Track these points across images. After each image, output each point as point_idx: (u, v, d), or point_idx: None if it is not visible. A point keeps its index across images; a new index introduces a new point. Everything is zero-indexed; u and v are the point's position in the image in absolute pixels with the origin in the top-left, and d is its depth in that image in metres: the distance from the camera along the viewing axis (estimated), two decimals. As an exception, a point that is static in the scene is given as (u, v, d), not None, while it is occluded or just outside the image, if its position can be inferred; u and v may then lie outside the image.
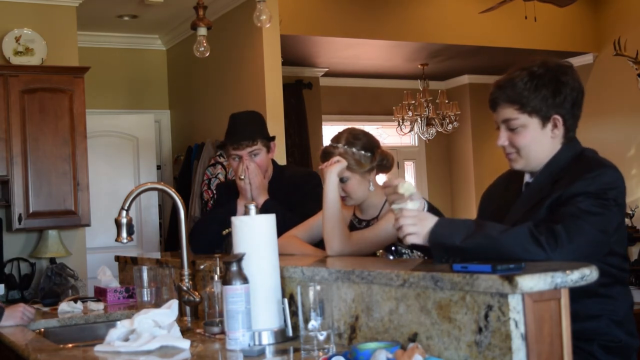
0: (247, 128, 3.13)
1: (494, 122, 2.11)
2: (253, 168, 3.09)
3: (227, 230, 2.96)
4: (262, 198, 3.10)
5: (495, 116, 2.08)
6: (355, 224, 2.73)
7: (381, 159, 2.65)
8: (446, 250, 1.79)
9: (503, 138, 2.06)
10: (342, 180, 2.60)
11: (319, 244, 2.71)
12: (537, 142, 2.02)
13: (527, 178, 2.10)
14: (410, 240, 1.86)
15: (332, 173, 2.56)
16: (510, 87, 2.02)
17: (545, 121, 2.01)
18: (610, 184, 1.88)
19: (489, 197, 2.28)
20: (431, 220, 1.85)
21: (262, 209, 2.80)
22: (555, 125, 2.01)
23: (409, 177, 9.92)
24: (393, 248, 2.55)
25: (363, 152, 2.61)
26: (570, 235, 1.75)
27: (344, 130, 2.68)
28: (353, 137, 2.64)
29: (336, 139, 2.66)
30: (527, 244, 1.73)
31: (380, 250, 2.62)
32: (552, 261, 1.71)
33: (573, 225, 1.78)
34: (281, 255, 2.19)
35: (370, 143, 2.65)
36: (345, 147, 2.61)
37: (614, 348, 1.92)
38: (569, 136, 2.04)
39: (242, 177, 3.08)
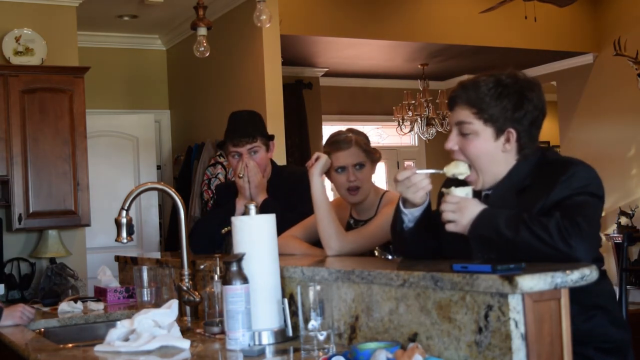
0: (247, 126, 3.14)
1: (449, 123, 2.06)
2: (252, 166, 3.09)
3: (226, 229, 2.96)
4: (261, 197, 3.10)
5: (451, 116, 2.02)
6: (352, 225, 2.74)
7: (378, 153, 2.75)
8: (485, 243, 1.78)
9: (452, 142, 1.99)
10: (357, 166, 2.66)
11: (317, 243, 2.71)
12: (487, 154, 1.94)
13: (485, 190, 2.02)
14: (449, 228, 1.86)
15: (315, 174, 2.60)
16: (473, 89, 1.95)
17: (499, 133, 1.93)
18: (587, 179, 1.87)
19: None
20: (473, 209, 1.84)
21: (261, 208, 2.80)
22: (508, 139, 1.93)
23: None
24: (391, 246, 2.55)
25: (368, 142, 2.72)
26: (586, 226, 1.74)
27: (342, 130, 2.74)
28: (356, 131, 2.71)
29: (341, 131, 2.72)
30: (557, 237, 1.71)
31: (377, 249, 2.63)
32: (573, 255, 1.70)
33: (582, 218, 1.76)
34: (281, 255, 2.19)
35: (365, 134, 2.77)
36: (356, 135, 2.69)
37: (611, 349, 1.91)
38: (524, 153, 1.96)
39: (241, 175, 3.08)
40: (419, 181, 2.00)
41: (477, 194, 1.97)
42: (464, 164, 1.96)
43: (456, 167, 1.96)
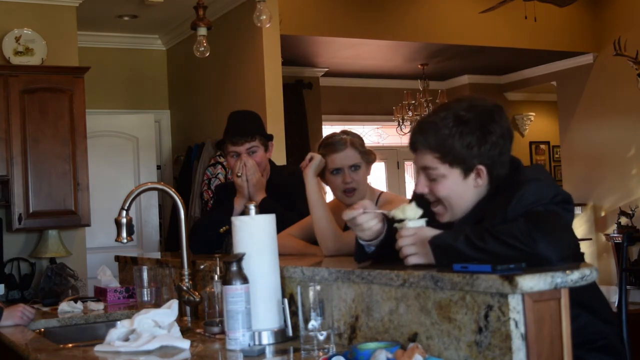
0: (246, 125, 3.15)
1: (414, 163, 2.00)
2: (251, 165, 3.09)
3: (224, 228, 2.96)
4: (260, 196, 3.10)
5: (415, 159, 1.94)
6: (349, 227, 2.74)
7: (373, 154, 2.75)
8: (449, 252, 1.72)
9: (421, 185, 1.92)
10: (352, 168, 2.66)
11: (314, 243, 2.72)
12: (458, 193, 1.89)
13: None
14: (412, 261, 1.79)
15: (310, 174, 2.60)
16: (432, 132, 1.87)
17: (468, 172, 1.87)
18: (539, 194, 1.80)
19: None
20: (428, 235, 1.78)
21: (261, 207, 2.81)
22: (478, 175, 1.87)
23: (409, 177, 9.93)
24: None
25: (363, 143, 2.72)
26: (551, 226, 1.69)
27: (336, 132, 2.77)
28: (351, 133, 2.74)
29: (336, 133, 2.72)
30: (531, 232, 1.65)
31: None
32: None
33: (544, 220, 1.71)
34: (281, 255, 2.19)
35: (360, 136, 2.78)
36: (351, 136, 2.70)
37: (602, 346, 1.91)
38: (497, 181, 1.90)
39: (240, 174, 3.08)
40: (365, 222, 1.95)
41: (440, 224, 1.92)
42: (413, 208, 1.87)
43: (403, 212, 1.86)
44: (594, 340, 1.89)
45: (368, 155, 2.71)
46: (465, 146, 1.85)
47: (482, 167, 1.87)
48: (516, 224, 1.67)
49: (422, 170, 1.92)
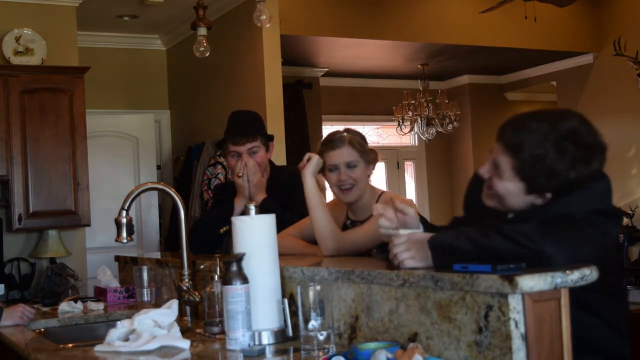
0: (247, 125, 3.15)
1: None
2: (252, 165, 3.09)
3: (224, 228, 2.96)
4: (260, 196, 3.10)
5: (494, 144, 1.88)
6: (349, 226, 2.74)
7: (375, 152, 2.74)
8: (449, 252, 1.72)
9: (485, 170, 1.87)
10: (349, 166, 2.65)
11: (314, 242, 2.72)
12: (513, 199, 1.85)
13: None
14: (408, 264, 1.79)
15: (308, 175, 2.60)
16: (521, 138, 1.80)
17: (531, 192, 1.84)
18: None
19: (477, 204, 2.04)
20: (424, 238, 1.78)
21: (261, 207, 2.81)
22: (540, 197, 1.84)
23: (409, 177, 9.93)
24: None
25: (363, 142, 2.71)
26: (565, 229, 1.69)
27: (339, 130, 2.77)
28: (352, 131, 2.73)
29: (338, 131, 2.71)
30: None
31: (374, 250, 2.63)
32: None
33: (561, 223, 1.71)
34: (281, 255, 2.19)
35: (362, 135, 2.77)
36: (351, 134, 2.68)
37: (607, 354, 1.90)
38: None
39: (240, 174, 3.08)
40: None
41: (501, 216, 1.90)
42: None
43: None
44: (600, 347, 1.88)
45: (367, 154, 2.69)
46: (543, 174, 1.77)
47: (548, 194, 1.80)
48: (530, 224, 1.67)
49: (493, 161, 1.84)
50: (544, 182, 1.78)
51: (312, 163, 2.63)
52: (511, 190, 1.82)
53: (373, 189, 2.76)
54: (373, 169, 2.74)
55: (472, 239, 1.69)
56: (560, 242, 1.63)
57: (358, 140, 2.69)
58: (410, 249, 1.79)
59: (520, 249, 1.63)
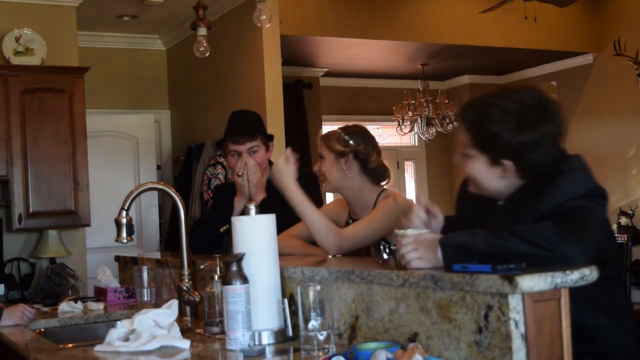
0: (248, 124, 3.16)
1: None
2: (252, 165, 3.09)
3: (224, 228, 2.96)
4: (260, 195, 3.10)
5: (457, 130, 2.01)
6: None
7: (356, 148, 2.70)
8: (462, 252, 1.71)
9: (457, 158, 1.99)
10: (321, 156, 2.75)
11: (315, 244, 2.71)
12: (485, 177, 1.96)
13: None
14: (415, 265, 1.78)
15: (289, 180, 2.58)
16: (472, 113, 1.97)
17: (494, 163, 1.92)
18: (574, 189, 1.85)
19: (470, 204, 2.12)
20: (433, 238, 1.79)
21: (260, 207, 2.81)
22: (505, 169, 1.94)
23: (409, 177, 9.93)
24: (383, 244, 2.54)
25: (343, 134, 2.71)
26: (579, 227, 1.72)
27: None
28: (349, 126, 2.77)
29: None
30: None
31: (373, 249, 2.62)
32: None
33: (573, 220, 1.74)
34: (280, 255, 2.19)
35: (356, 132, 2.74)
36: (337, 128, 2.76)
37: (612, 354, 1.90)
38: (535, 172, 1.94)
39: (240, 173, 3.09)
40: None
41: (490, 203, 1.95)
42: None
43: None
44: (609, 347, 1.88)
45: (334, 147, 2.71)
46: (491, 137, 1.86)
47: (508, 163, 1.88)
48: (544, 225, 1.68)
49: (460, 146, 1.96)
50: (495, 147, 1.86)
51: (284, 160, 2.58)
52: (478, 167, 1.91)
53: (373, 186, 2.74)
54: (346, 162, 2.70)
55: (487, 240, 1.69)
56: (579, 242, 1.66)
57: (337, 133, 2.73)
58: (417, 249, 1.79)
59: (537, 251, 1.64)
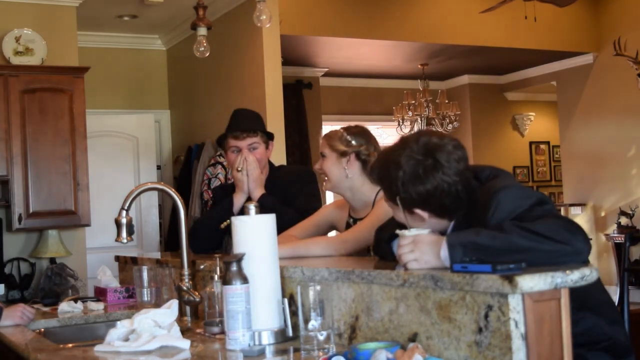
0: (249, 121, 3.18)
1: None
2: (252, 160, 3.11)
3: (225, 223, 2.96)
4: (259, 191, 3.11)
5: None
6: (352, 224, 2.75)
7: (358, 148, 2.71)
8: (468, 248, 1.69)
9: None
10: (322, 155, 2.77)
11: None
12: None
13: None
14: (412, 266, 1.78)
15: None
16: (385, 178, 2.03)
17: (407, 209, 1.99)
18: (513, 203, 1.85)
19: None
20: (432, 239, 1.78)
21: (259, 202, 2.82)
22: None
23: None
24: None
25: (346, 134, 2.73)
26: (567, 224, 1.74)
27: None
28: (352, 126, 2.78)
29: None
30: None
31: (372, 249, 2.62)
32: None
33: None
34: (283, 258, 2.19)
35: (358, 133, 2.76)
36: (340, 127, 2.77)
37: (607, 347, 1.90)
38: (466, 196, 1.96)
39: (240, 168, 3.10)
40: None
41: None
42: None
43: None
44: (598, 342, 1.89)
45: (335, 146, 2.73)
46: (399, 191, 1.91)
47: (420, 211, 1.93)
48: (548, 220, 1.69)
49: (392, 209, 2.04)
50: (402, 200, 1.93)
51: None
52: (400, 216, 1.98)
53: (373, 186, 2.75)
54: (347, 162, 2.71)
55: (495, 236, 1.68)
56: (585, 235, 1.68)
57: (340, 132, 2.74)
58: (414, 250, 1.79)
59: (548, 245, 1.64)
